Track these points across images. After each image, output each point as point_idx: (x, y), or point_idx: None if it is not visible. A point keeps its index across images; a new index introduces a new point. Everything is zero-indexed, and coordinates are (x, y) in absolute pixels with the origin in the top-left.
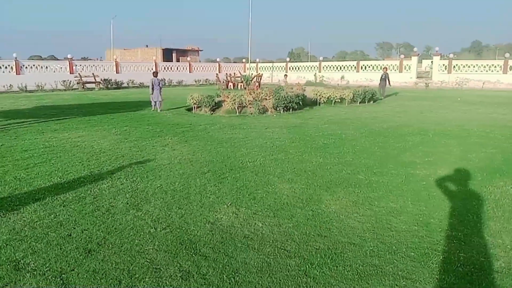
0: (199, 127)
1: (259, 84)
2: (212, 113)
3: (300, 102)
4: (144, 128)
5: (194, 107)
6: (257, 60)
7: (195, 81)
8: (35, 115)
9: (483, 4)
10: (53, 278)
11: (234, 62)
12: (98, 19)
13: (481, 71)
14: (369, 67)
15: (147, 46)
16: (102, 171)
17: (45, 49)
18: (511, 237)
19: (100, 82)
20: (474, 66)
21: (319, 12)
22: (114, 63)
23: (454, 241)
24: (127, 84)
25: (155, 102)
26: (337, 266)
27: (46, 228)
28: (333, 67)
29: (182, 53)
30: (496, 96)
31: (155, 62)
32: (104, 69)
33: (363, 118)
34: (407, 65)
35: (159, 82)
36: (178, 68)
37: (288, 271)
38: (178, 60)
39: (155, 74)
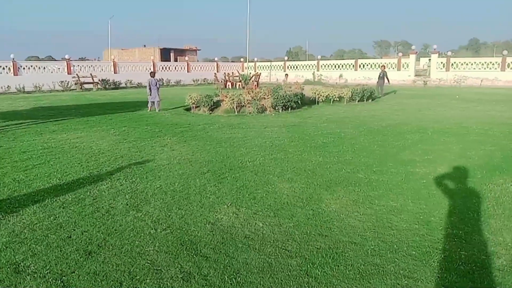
0: (198, 127)
1: (257, 84)
2: (210, 113)
3: (299, 101)
4: (142, 129)
5: (193, 107)
6: (255, 59)
7: (193, 81)
8: (33, 116)
9: (480, 2)
10: (54, 281)
11: (232, 61)
12: (96, 19)
13: (479, 68)
14: (367, 65)
15: (144, 46)
16: (101, 172)
17: (42, 49)
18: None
19: (98, 83)
20: (472, 64)
21: (317, 11)
22: (112, 63)
23: (455, 239)
24: (125, 84)
25: (153, 102)
26: (338, 266)
27: (46, 230)
28: (331, 66)
29: (180, 52)
30: (494, 93)
31: (153, 62)
32: (102, 70)
33: (361, 116)
34: (405, 63)
35: (156, 82)
36: (176, 68)
37: (290, 271)
38: (176, 60)
39: (153, 74)
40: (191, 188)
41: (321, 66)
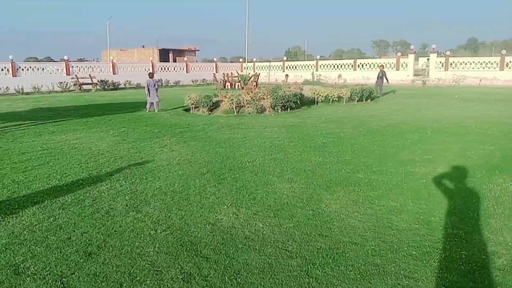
0: (197, 127)
1: (256, 84)
2: (210, 113)
3: (298, 101)
4: (142, 129)
5: (192, 107)
6: (254, 59)
7: (192, 81)
8: (32, 118)
9: (479, 1)
10: (54, 282)
11: (231, 61)
12: (94, 19)
13: (478, 68)
14: (366, 65)
15: (143, 46)
16: (101, 173)
17: (41, 50)
18: None
19: (97, 84)
20: (471, 63)
21: (316, 11)
22: (111, 64)
23: (455, 239)
24: (124, 85)
25: (152, 103)
26: (339, 266)
27: (46, 231)
28: (330, 66)
29: (179, 53)
30: (493, 93)
31: (152, 62)
32: (101, 70)
33: (361, 116)
34: (404, 62)
35: (155, 83)
36: (175, 69)
37: (290, 272)
38: (175, 60)
39: (151, 75)
40: (191, 188)
41: (320, 66)
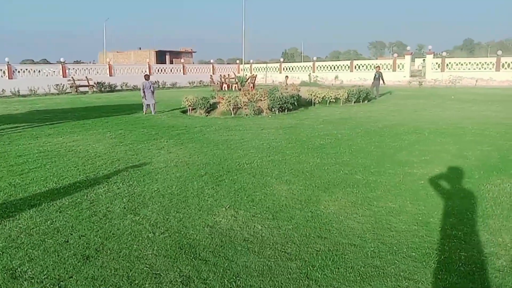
0: (195, 129)
1: (253, 85)
2: (207, 115)
3: (295, 103)
4: (139, 131)
5: (189, 109)
6: (251, 61)
7: (189, 83)
8: (28, 120)
9: (474, 2)
10: (51, 286)
11: (227, 63)
12: (90, 21)
13: (474, 69)
14: (362, 66)
15: (140, 48)
16: (98, 175)
17: (37, 52)
18: (511, 235)
19: (93, 86)
20: (467, 64)
21: (312, 12)
22: (107, 66)
23: (455, 240)
24: (121, 87)
25: (148, 105)
26: (338, 268)
27: (43, 234)
28: (327, 67)
29: (176, 55)
30: (489, 93)
31: (148, 64)
32: (97, 72)
33: (358, 117)
34: (401, 63)
35: (150, 85)
36: (172, 70)
37: (290, 274)
38: (171, 62)
39: (147, 77)
40: (189, 191)
41: (317, 67)
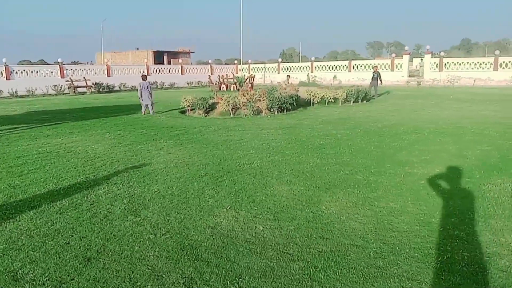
0: (194, 129)
1: (251, 86)
2: (206, 115)
3: (294, 103)
4: (138, 132)
5: (188, 109)
6: (249, 61)
7: (187, 83)
8: (27, 121)
9: (472, 2)
10: None
11: (226, 63)
12: (88, 22)
13: (472, 68)
14: (361, 66)
15: (137, 48)
16: (98, 176)
17: (34, 53)
18: None
19: (91, 86)
20: (465, 64)
21: (310, 12)
22: (105, 67)
23: (457, 240)
24: (119, 87)
25: (146, 105)
26: (341, 269)
27: (44, 236)
28: (325, 67)
29: (174, 55)
30: (487, 93)
31: (146, 64)
32: (95, 73)
33: (357, 117)
34: (399, 63)
35: (148, 86)
36: (170, 71)
37: (292, 275)
38: (169, 63)
39: (144, 77)
40: (189, 191)
41: (315, 67)
